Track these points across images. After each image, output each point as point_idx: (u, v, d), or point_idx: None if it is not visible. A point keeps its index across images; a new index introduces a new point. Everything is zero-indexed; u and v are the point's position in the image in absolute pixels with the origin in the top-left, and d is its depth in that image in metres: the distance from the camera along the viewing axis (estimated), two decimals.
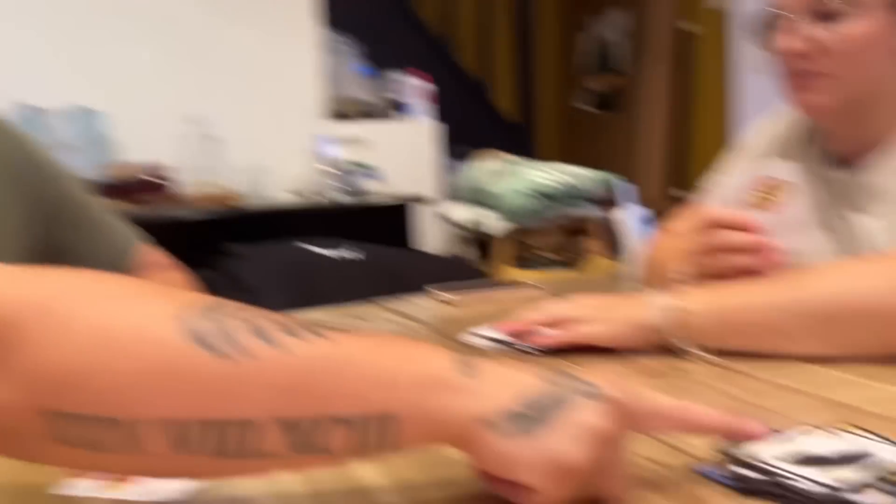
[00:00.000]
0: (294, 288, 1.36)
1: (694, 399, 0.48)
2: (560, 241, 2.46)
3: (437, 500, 0.46)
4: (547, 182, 2.28)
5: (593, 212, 2.44)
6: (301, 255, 1.46)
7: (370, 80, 2.90)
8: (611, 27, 4.00)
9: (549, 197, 2.29)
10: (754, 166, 0.73)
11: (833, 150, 0.96)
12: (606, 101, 4.09)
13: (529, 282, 1.22)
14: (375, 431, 0.38)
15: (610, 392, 0.41)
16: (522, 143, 3.37)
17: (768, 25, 0.90)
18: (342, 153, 2.52)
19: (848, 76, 0.85)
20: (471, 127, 3.27)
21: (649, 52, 3.70)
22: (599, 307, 0.79)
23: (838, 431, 0.50)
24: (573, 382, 0.42)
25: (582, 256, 2.48)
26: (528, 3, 3.38)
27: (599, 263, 2.46)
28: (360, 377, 0.38)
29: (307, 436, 0.37)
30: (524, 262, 2.41)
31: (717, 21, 3.47)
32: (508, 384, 0.41)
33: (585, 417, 0.40)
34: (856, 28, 0.83)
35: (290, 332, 0.38)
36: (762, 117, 1.10)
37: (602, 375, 0.43)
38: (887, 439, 0.49)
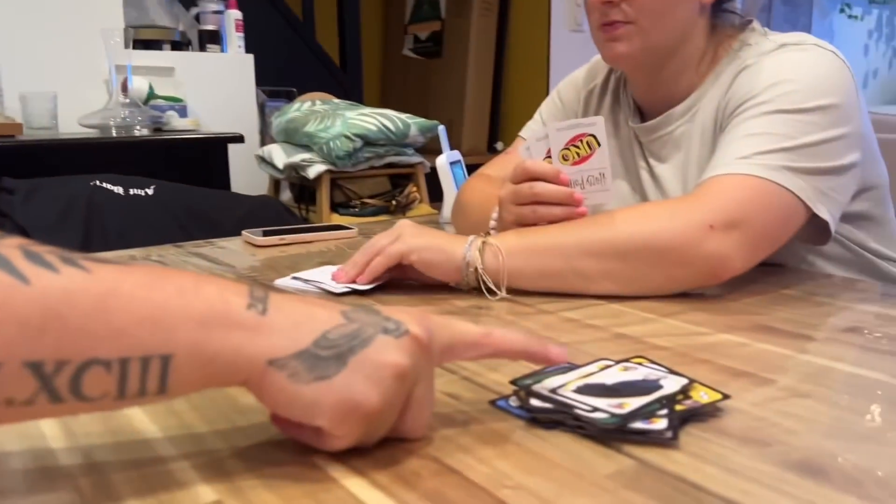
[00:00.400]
0: (79, 228, 1.23)
1: None
2: (382, 185, 2.44)
3: (223, 450, 0.42)
4: (369, 126, 2.23)
5: (416, 158, 2.44)
6: (88, 192, 1.31)
7: (180, 7, 2.67)
8: None
9: (370, 142, 2.25)
10: (565, 120, 0.74)
11: (641, 102, 1.02)
12: (432, 50, 4.08)
13: (346, 225, 1.19)
14: (139, 374, 0.33)
15: (413, 328, 0.40)
16: (347, 88, 3.29)
17: None
18: (146, 85, 2.31)
19: (653, 25, 0.89)
20: (294, 68, 3.12)
21: (472, 2, 3.73)
22: (419, 234, 0.79)
23: (628, 364, 0.53)
24: (375, 318, 0.39)
25: (404, 202, 2.48)
26: None
27: (421, 209, 2.47)
28: (125, 312, 0.33)
29: (55, 380, 0.32)
30: (344, 206, 2.36)
31: None
32: (305, 321, 0.38)
33: (384, 356, 0.38)
34: None
35: (39, 262, 0.32)
36: (578, 70, 1.14)
37: (406, 311, 0.41)
38: (671, 370, 0.51)
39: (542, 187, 0.77)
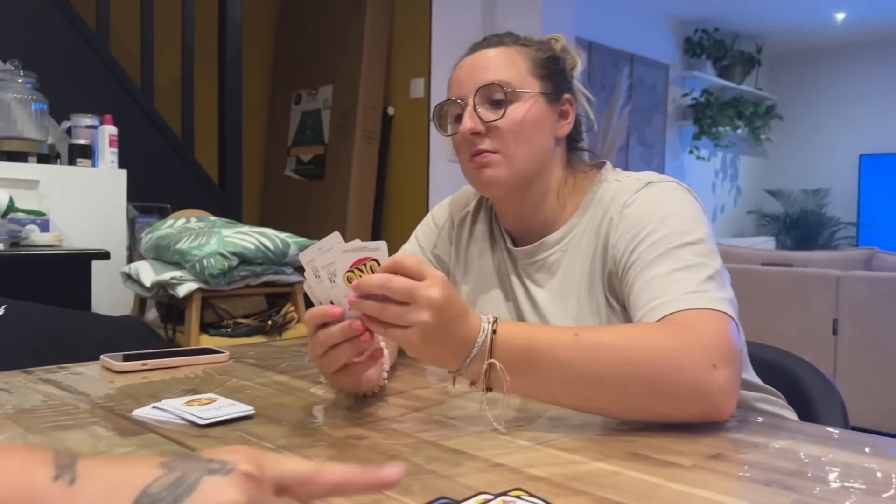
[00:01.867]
0: None
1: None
2: (258, 305, 2.37)
3: None
4: (247, 244, 2.20)
5: (295, 277, 2.41)
6: None
7: (52, 121, 2.58)
8: (322, 103, 4.09)
9: (247, 260, 2.20)
10: (349, 248, 0.75)
11: (510, 229, 1.09)
12: (314, 172, 4.13)
13: (217, 348, 1.14)
14: None
15: (242, 464, 0.38)
16: (226, 206, 3.24)
17: (451, 115, 1.02)
18: (6, 197, 2.18)
19: (516, 153, 0.98)
20: (170, 184, 3.06)
21: (355, 129, 3.85)
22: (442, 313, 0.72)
23: (507, 497, 0.52)
24: (197, 463, 0.37)
25: (280, 321, 2.42)
26: (231, 68, 3.31)
27: (299, 329, 2.41)
28: None
29: None
30: (215, 326, 2.27)
31: (416, 107, 3.75)
32: (121, 482, 0.35)
33: (215, 496, 0.35)
34: (519, 112, 0.98)
35: None
36: (450, 197, 1.20)
37: (233, 450, 0.39)
38: None
39: (325, 335, 0.76)
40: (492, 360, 0.73)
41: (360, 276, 0.74)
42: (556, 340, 0.75)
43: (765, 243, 6.17)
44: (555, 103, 1.01)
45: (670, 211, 0.92)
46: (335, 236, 0.77)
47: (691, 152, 6.09)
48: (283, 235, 2.33)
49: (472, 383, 0.75)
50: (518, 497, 0.52)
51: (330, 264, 0.77)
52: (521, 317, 1.04)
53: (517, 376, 0.73)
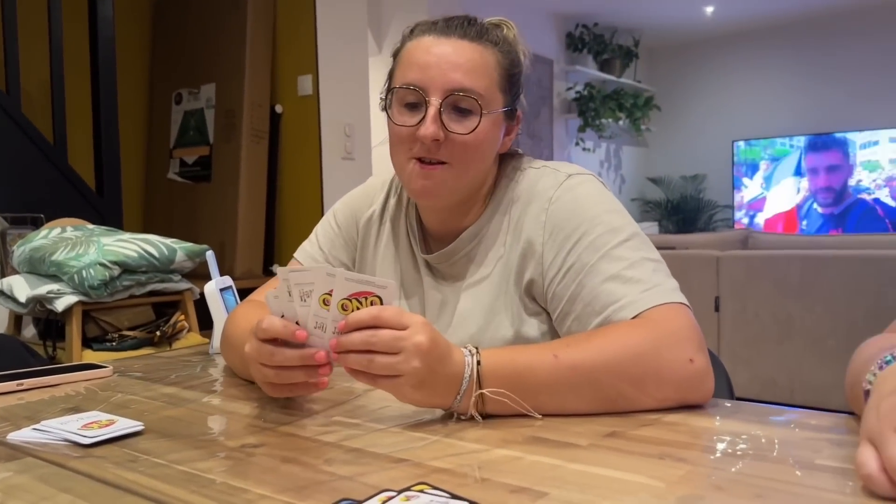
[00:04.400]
0: None
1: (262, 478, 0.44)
2: (144, 315, 2.26)
3: None
4: (129, 252, 2.09)
5: (184, 284, 2.30)
6: None
7: None
8: (205, 102, 3.95)
9: (131, 269, 2.09)
10: (353, 277, 0.73)
11: (430, 230, 1.04)
12: (200, 174, 3.98)
13: (100, 363, 1.07)
14: None
15: None
16: (104, 213, 3.07)
17: (402, 101, 0.92)
18: None
19: (466, 169, 0.93)
20: (43, 194, 2.87)
21: (241, 128, 3.74)
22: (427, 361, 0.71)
23: (410, 492, 0.51)
24: None
25: (170, 332, 2.31)
26: (105, 68, 3.14)
27: (190, 339, 2.31)
28: None
29: None
30: (99, 340, 2.15)
31: (306, 104, 3.68)
32: None
33: None
34: (482, 125, 0.91)
35: None
36: (352, 193, 1.15)
37: None
38: (453, 494, 0.51)
39: (281, 356, 0.74)
40: (482, 392, 0.73)
41: (357, 307, 0.72)
42: (538, 365, 0.75)
43: (649, 228, 6.45)
44: (509, 120, 0.97)
45: (598, 208, 0.91)
46: (327, 268, 0.74)
47: (577, 144, 6.29)
48: (169, 241, 2.23)
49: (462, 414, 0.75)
50: (422, 491, 0.52)
51: (308, 284, 0.74)
52: (432, 320, 1.01)
53: (505, 402, 0.74)
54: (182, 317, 2.31)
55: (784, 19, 6.21)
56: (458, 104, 0.90)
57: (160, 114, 4.23)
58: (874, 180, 5.91)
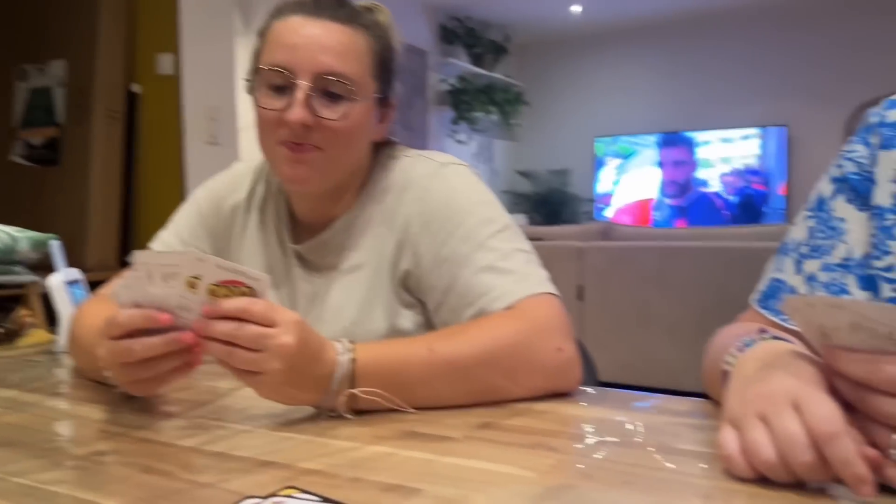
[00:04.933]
0: None
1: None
2: None
3: None
4: None
5: (28, 277, 2.12)
6: None
7: None
8: (53, 79, 3.64)
9: None
10: (226, 265, 0.68)
11: (301, 218, 1.00)
12: (47, 157, 3.68)
13: None
14: None
15: None
16: None
17: (268, 83, 0.87)
18: None
19: (340, 155, 0.90)
20: None
21: (94, 108, 3.48)
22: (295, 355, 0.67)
23: (277, 497, 0.49)
24: None
25: (14, 328, 2.11)
26: None
27: (37, 335, 2.13)
28: None
29: None
30: None
31: (166, 84, 3.47)
32: None
33: None
34: (353, 111, 0.88)
35: None
36: (216, 179, 1.08)
37: None
38: (324, 498, 0.48)
39: (143, 347, 0.68)
40: (352, 391, 0.70)
41: (226, 295, 0.67)
42: (413, 359, 0.74)
43: (517, 220, 6.62)
44: (382, 107, 0.95)
45: (472, 199, 0.91)
46: (196, 253, 0.70)
47: (451, 136, 6.35)
48: (11, 230, 2.04)
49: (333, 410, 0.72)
50: (289, 496, 0.49)
51: (172, 267, 0.68)
52: (303, 313, 0.97)
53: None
54: (27, 312, 2.13)
55: (645, 22, 6.54)
56: (329, 88, 0.87)
57: (1, 91, 3.86)
58: (711, 177, 6.37)
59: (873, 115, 0.76)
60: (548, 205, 6.99)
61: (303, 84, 0.85)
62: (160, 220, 1.10)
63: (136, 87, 3.60)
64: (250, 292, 0.68)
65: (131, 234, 3.69)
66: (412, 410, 0.73)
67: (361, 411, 0.72)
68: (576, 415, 0.75)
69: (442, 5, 6.19)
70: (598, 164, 6.93)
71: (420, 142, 6.03)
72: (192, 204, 1.07)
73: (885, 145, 0.73)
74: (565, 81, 7.17)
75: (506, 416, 0.73)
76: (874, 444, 0.49)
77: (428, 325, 0.93)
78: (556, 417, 0.73)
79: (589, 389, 0.84)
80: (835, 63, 5.83)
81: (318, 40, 0.86)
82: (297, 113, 0.85)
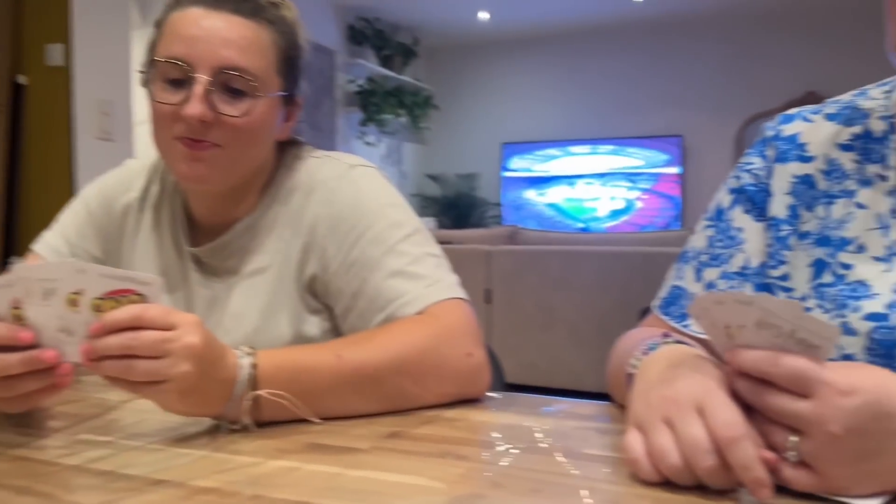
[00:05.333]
0: None
1: None
2: None
3: None
4: None
5: None
6: None
7: None
8: None
9: None
10: (109, 273, 0.63)
11: (199, 220, 0.95)
12: None
13: None
14: None
15: None
16: None
17: (164, 76, 0.83)
18: None
19: (241, 153, 0.86)
20: None
21: None
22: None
23: None
24: None
25: None
26: None
27: None
28: None
29: None
30: None
31: (55, 76, 3.28)
32: None
33: None
34: (255, 108, 0.84)
35: None
36: (108, 177, 1.02)
37: None
38: None
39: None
40: (256, 393, 0.67)
41: (113, 307, 0.61)
42: (320, 366, 0.71)
43: (427, 224, 6.63)
44: (288, 105, 0.91)
45: (381, 201, 0.89)
46: (76, 263, 0.63)
47: (360, 138, 6.30)
48: None
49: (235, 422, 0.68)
50: None
51: (51, 281, 0.62)
52: (201, 319, 0.92)
53: (284, 406, 0.68)
54: None
55: (550, 31, 6.70)
56: (230, 84, 0.83)
57: None
58: (613, 183, 6.60)
59: (769, 129, 0.79)
60: (456, 209, 7.04)
61: (202, 78, 0.82)
62: (46, 220, 1.03)
63: (22, 79, 3.37)
64: (141, 299, 0.64)
65: (14, 235, 3.45)
66: (318, 421, 0.71)
67: (264, 424, 0.69)
68: (485, 421, 0.74)
69: (351, 6, 6.13)
70: (505, 168, 7.04)
71: (328, 143, 5.95)
72: (81, 203, 1.00)
73: (780, 158, 0.76)
74: (474, 86, 7.25)
75: (415, 424, 0.71)
76: (772, 446, 0.50)
77: (335, 331, 0.91)
78: (465, 425, 0.72)
79: (497, 395, 0.84)
80: (727, 76, 6.15)
81: (219, 33, 0.83)
82: (194, 107, 0.81)
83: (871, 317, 0.65)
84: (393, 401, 0.75)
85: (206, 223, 0.95)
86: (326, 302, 0.90)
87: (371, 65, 6.25)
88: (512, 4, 6.03)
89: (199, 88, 0.81)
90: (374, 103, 6.22)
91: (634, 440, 0.54)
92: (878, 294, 0.66)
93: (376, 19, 6.28)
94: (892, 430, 0.47)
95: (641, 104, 6.52)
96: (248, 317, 0.90)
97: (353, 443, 0.65)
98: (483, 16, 6.35)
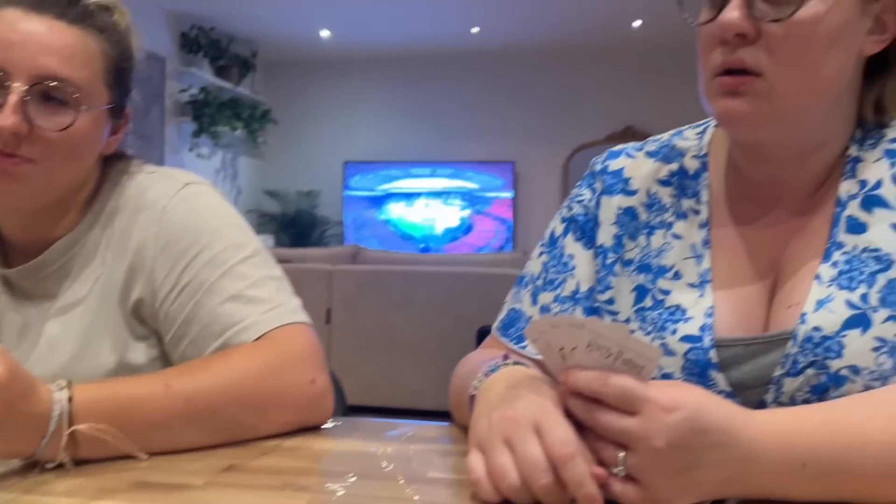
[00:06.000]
0: None
1: None
2: None
3: None
4: None
5: None
6: None
7: None
8: None
9: None
10: None
11: (11, 241, 0.87)
12: None
13: None
14: None
15: None
16: None
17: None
18: None
19: (57, 169, 0.79)
20: None
21: None
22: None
23: None
24: None
25: None
26: None
27: None
28: None
29: None
30: None
31: None
32: None
33: None
34: (77, 121, 0.78)
35: None
36: None
37: None
38: None
39: None
40: (75, 428, 0.61)
41: None
42: (147, 398, 0.66)
43: (265, 241, 6.45)
44: (115, 118, 0.85)
45: (218, 221, 0.84)
46: None
47: (191, 150, 6.01)
48: None
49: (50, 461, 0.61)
50: None
51: None
52: (11, 347, 0.83)
53: (106, 442, 0.63)
54: None
55: (390, 54, 6.78)
56: (50, 94, 0.77)
57: None
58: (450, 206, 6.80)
59: (597, 164, 0.85)
60: (296, 226, 6.90)
61: (17, 87, 0.75)
62: None
63: None
64: None
65: None
66: (145, 456, 0.66)
67: (83, 461, 0.64)
68: (327, 449, 0.72)
69: (185, 13, 5.88)
70: (347, 187, 7.02)
71: (156, 153, 5.64)
72: None
73: (607, 191, 0.82)
74: (316, 103, 7.18)
75: (253, 455, 0.68)
76: (602, 462, 0.53)
77: (165, 360, 0.85)
78: (306, 454, 0.70)
79: (340, 421, 0.82)
80: (557, 107, 6.54)
81: (38, 39, 0.76)
82: (7, 119, 0.74)
83: (687, 338, 0.71)
84: (229, 433, 0.71)
85: (20, 243, 0.86)
86: (155, 328, 0.84)
87: (205, 74, 6.01)
88: (353, 25, 6.06)
89: (13, 98, 0.74)
90: (207, 114, 5.98)
91: (476, 461, 0.55)
92: (692, 318, 0.72)
93: (212, 29, 6.06)
94: (709, 444, 0.51)
95: (478, 130, 6.77)
96: (65, 344, 0.83)
97: (184, 479, 0.61)
98: (325, 33, 6.32)
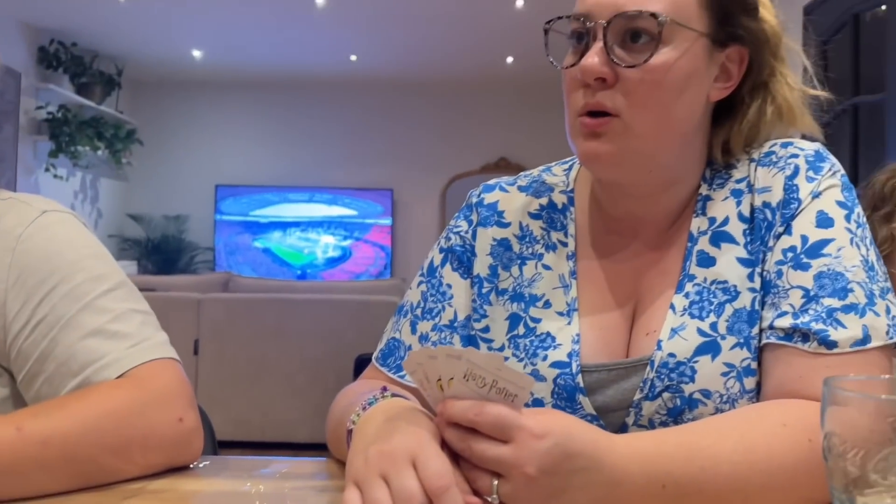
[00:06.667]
0: None
1: None
2: None
3: None
4: None
5: None
6: None
7: None
8: None
9: None
10: None
11: None
12: None
13: None
14: None
15: None
16: None
17: None
18: None
19: None
20: None
21: None
22: None
23: None
24: None
25: None
26: None
27: None
28: None
29: None
30: None
31: None
32: None
33: None
34: None
35: None
36: None
37: None
38: None
39: None
40: None
41: None
42: None
43: (128, 268, 6.10)
44: None
45: (79, 252, 0.79)
46: None
47: (48, 170, 5.62)
48: None
49: None
50: None
51: None
52: None
53: None
54: None
55: (264, 77, 6.65)
56: None
57: None
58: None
59: (474, 196, 0.87)
60: (162, 252, 6.59)
61: None
62: None
63: None
64: None
65: None
66: None
67: None
68: (196, 491, 0.69)
69: (44, 28, 5.53)
70: (219, 212, 6.80)
71: (9, 173, 5.23)
72: None
73: (483, 223, 0.84)
74: (185, 124, 6.93)
75: (115, 500, 0.64)
76: (477, 491, 0.54)
77: (17, 399, 0.79)
78: (174, 496, 0.67)
79: (208, 460, 0.79)
80: (435, 137, 6.66)
81: None
82: None
83: (556, 364, 0.74)
84: (89, 477, 0.67)
85: None
86: (6, 366, 0.78)
87: (65, 91, 5.66)
88: (225, 45, 5.92)
89: None
90: (67, 133, 5.62)
91: (353, 497, 0.55)
92: (560, 344, 0.75)
93: (74, 45, 5.73)
94: (576, 469, 0.54)
95: (358, 157, 6.76)
96: None
97: None
98: (197, 53, 6.13)
